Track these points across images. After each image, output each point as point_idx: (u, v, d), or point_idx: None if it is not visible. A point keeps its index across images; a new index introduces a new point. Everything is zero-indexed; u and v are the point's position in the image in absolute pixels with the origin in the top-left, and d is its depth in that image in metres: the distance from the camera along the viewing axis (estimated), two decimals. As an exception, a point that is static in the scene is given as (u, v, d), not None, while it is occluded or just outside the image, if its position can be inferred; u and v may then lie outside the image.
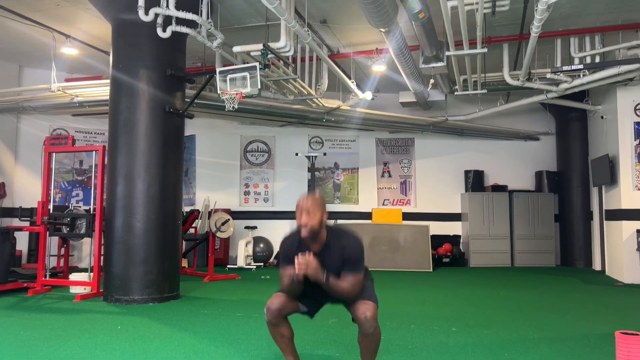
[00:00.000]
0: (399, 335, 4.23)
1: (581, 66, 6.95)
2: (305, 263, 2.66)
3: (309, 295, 2.89)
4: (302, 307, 2.94)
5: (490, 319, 4.95)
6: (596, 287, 7.25)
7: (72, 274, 6.72)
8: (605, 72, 7.12)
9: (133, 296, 5.65)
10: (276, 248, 9.86)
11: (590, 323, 4.81)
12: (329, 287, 2.71)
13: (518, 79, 7.59)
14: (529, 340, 4.11)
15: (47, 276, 6.65)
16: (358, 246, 2.82)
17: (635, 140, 7.84)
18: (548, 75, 7.58)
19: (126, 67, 5.95)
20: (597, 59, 7.14)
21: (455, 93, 8.57)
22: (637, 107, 7.87)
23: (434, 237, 9.71)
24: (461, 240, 10.44)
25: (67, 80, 9.06)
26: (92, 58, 8.40)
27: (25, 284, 6.53)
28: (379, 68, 8.04)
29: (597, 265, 9.23)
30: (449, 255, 9.93)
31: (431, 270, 9.13)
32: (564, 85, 7.62)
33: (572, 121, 9.93)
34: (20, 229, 7.11)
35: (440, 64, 7.00)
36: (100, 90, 8.23)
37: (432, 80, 8.38)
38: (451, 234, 10.43)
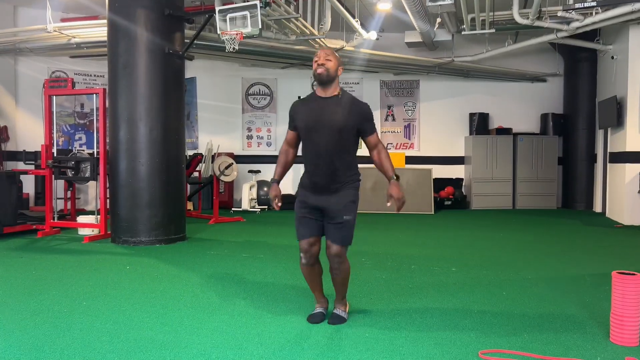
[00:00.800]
0: (400, 275, 4.34)
1: (594, 3, 6.68)
2: (398, 196, 2.90)
3: (309, 195, 2.94)
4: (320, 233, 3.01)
5: (490, 260, 5.06)
6: (596, 229, 7.35)
7: (80, 216, 6.84)
8: (619, 10, 6.85)
9: (140, 238, 5.77)
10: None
11: (588, 263, 4.91)
12: (397, 177, 2.92)
13: (528, 18, 7.33)
14: (526, 279, 4.21)
15: (55, 218, 6.78)
16: (369, 109, 2.97)
17: (645, 81, 7.67)
18: (559, 14, 7.30)
19: (123, 7, 5.77)
20: (611, -4, 6.86)
21: (463, 33, 8.32)
22: (649, 47, 7.66)
23: (436, 180, 9.74)
24: (464, 184, 10.49)
25: (63, 20, 8.81)
26: (87, -4, 8.13)
27: (34, 226, 6.67)
28: (384, 6, 7.75)
29: (597, 208, 9.31)
30: (450, 198, 10.01)
31: (433, 213, 9.24)
32: (575, 24, 7.37)
33: (581, 62, 9.69)
34: (25, 172, 7.17)
35: (447, 1, 6.73)
36: (98, 31, 8.01)
37: (438, 19, 8.11)
38: (454, 177, 10.47)
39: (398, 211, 2.94)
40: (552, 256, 5.29)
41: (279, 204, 3.03)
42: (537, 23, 7.46)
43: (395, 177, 2.91)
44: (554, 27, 7.64)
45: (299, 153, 3.07)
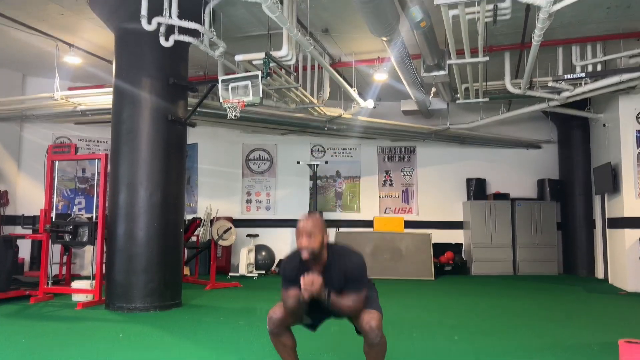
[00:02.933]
0: (401, 343, 4.21)
1: (583, 74, 6.97)
2: (310, 282, 2.65)
3: (313, 311, 2.87)
4: (305, 318, 2.92)
5: (493, 327, 4.93)
6: (599, 296, 7.22)
7: (74, 281, 6.72)
8: (607, 81, 7.13)
9: (135, 304, 5.64)
10: (278, 256, 9.84)
11: (593, 332, 4.79)
12: (331, 305, 2.71)
13: (520, 87, 7.61)
14: (531, 348, 4.09)
15: (50, 284, 6.65)
16: (360, 264, 2.82)
17: (637, 148, 7.83)
18: (550, 84, 7.59)
19: (129, 76, 5.98)
20: (599, 67, 7.16)
21: (457, 101, 8.58)
22: (639, 115, 7.88)
23: (436, 245, 9.68)
24: (463, 249, 10.41)
25: (70, 88, 9.11)
26: (95, 67, 8.45)
27: (27, 292, 6.53)
28: (380, 77, 8.06)
29: (600, 274, 9.18)
30: (451, 264, 9.89)
31: (433, 278, 9.10)
32: (565, 94, 7.63)
33: (574, 129, 9.93)
34: (22, 236, 7.12)
35: (442, 72, 7.02)
36: (103, 99, 8.27)
37: (433, 89, 8.40)
38: (453, 242, 10.40)
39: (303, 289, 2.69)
40: (557, 324, 5.16)
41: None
42: (529, 92, 7.72)
43: (327, 298, 2.72)
44: (546, 97, 7.90)
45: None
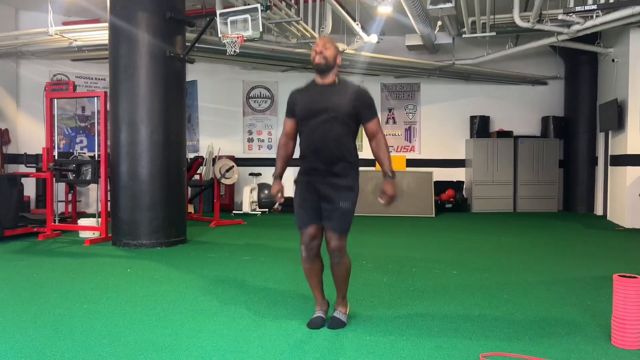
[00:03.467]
0: (401, 278, 4.33)
1: (594, 6, 6.69)
2: (390, 194, 2.90)
3: (307, 185, 2.93)
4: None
5: (490, 263, 5.06)
6: (597, 232, 7.34)
7: (81, 219, 6.84)
8: (619, 13, 6.86)
9: (141, 240, 5.77)
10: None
11: (589, 266, 4.91)
12: (393, 174, 2.88)
13: (529, 21, 7.34)
14: (527, 282, 4.21)
15: (56, 221, 6.78)
16: (370, 95, 2.97)
17: (645, 84, 7.68)
18: (560, 17, 7.31)
19: (124, 11, 5.78)
20: (612, -1, 6.87)
21: (463, 36, 8.34)
22: (650, 50, 7.66)
23: (437, 183, 9.74)
24: (464, 186, 10.49)
25: (65, 23, 8.84)
26: (88, 1, 8.15)
27: (35, 229, 6.67)
28: (385, 9, 7.76)
29: (599, 211, 9.30)
30: (451, 201, 10.00)
31: (434, 215, 9.23)
32: (575, 27, 7.38)
33: (581, 65, 9.70)
34: (26, 175, 7.18)
35: (448, 4, 6.75)
36: (99, 35, 8.04)
37: (439, 22, 8.12)
38: (454, 180, 10.47)
39: (387, 205, 2.93)
40: (553, 259, 5.28)
41: (282, 199, 2.98)
42: (538, 26, 7.47)
43: (390, 175, 2.88)
44: (555, 30, 7.65)
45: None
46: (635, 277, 2.68)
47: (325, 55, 2.84)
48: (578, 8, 6.65)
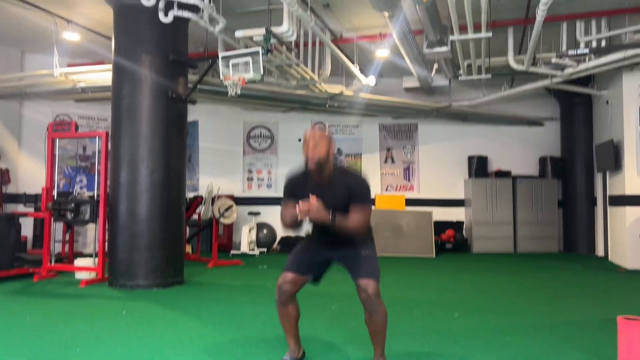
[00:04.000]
0: (401, 321, 4.26)
1: (587, 50, 6.87)
2: (307, 208, 2.63)
3: (313, 257, 2.87)
4: (309, 278, 2.92)
5: (493, 304, 4.98)
6: (599, 273, 7.26)
7: (77, 259, 6.77)
8: (611, 57, 7.03)
9: (138, 281, 5.69)
10: (280, 234, 9.90)
11: (592, 308, 4.83)
12: (335, 226, 2.67)
13: (523, 64, 7.51)
14: (530, 325, 4.13)
15: (53, 262, 6.70)
16: (364, 182, 2.83)
17: (640, 125, 7.78)
18: (553, 60, 7.49)
19: (128, 53, 5.92)
20: (603, 43, 7.05)
21: (459, 78, 8.50)
22: (643, 92, 7.80)
23: (437, 223, 9.71)
24: (464, 226, 10.45)
25: (69, 65, 9.02)
26: (93, 43, 8.35)
27: (30, 270, 6.58)
28: (382, 53, 7.96)
29: (600, 252, 9.23)
30: (451, 242, 9.94)
31: (434, 256, 9.15)
32: (569, 70, 7.54)
33: (576, 106, 9.85)
34: (25, 214, 7.16)
35: (444, 48, 6.92)
36: (103, 76, 8.19)
37: (436, 65, 8.31)
38: (454, 220, 10.44)
39: (300, 213, 2.64)
40: (556, 301, 5.20)
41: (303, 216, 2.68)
42: (532, 69, 7.63)
43: (331, 219, 2.66)
44: (549, 73, 7.82)
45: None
46: (640, 320, 2.64)
47: (318, 158, 2.69)
48: (571, 52, 6.82)
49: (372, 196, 10.22)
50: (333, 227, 2.67)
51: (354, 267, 2.79)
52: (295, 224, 2.78)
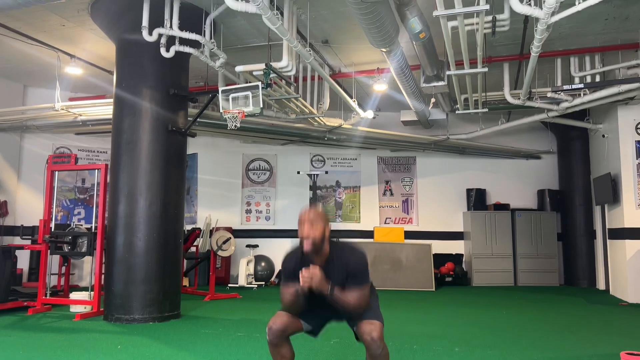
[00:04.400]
0: (401, 356, 4.18)
1: (581, 85, 6.99)
2: (310, 276, 2.62)
3: (313, 312, 2.85)
4: (305, 325, 2.88)
5: (493, 339, 4.90)
6: (600, 307, 7.17)
7: (73, 292, 6.69)
8: (606, 91, 7.15)
9: (134, 315, 5.61)
10: (278, 267, 9.81)
11: (594, 343, 4.75)
12: (333, 299, 2.66)
13: (519, 98, 7.63)
14: (533, 361, 4.05)
15: (48, 295, 6.62)
16: (362, 260, 2.79)
17: (637, 158, 7.84)
18: (549, 94, 7.61)
19: (129, 87, 6.01)
20: (598, 78, 7.18)
21: (457, 112, 8.61)
22: (638, 126, 7.90)
23: (436, 255, 9.65)
24: (464, 259, 10.38)
25: (71, 99, 9.14)
26: (96, 77, 8.48)
27: (25, 303, 6.49)
28: (380, 87, 8.09)
29: (601, 285, 9.14)
30: (451, 275, 9.85)
31: (434, 289, 9.05)
32: (564, 104, 7.65)
33: (573, 140, 9.95)
34: (21, 247, 7.10)
35: (441, 83, 7.04)
36: (104, 110, 8.29)
37: (433, 99, 8.42)
38: (454, 253, 10.37)
39: (303, 281, 2.63)
40: (557, 335, 5.12)
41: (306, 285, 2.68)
42: (528, 103, 7.74)
43: (330, 290, 2.67)
44: (545, 107, 7.92)
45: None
46: (643, 356, 2.60)
47: (314, 239, 2.69)
48: (566, 87, 6.94)
49: (371, 228, 10.22)
50: (332, 300, 2.66)
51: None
52: (297, 299, 2.74)
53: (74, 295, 6.52)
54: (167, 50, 5.83)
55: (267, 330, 2.78)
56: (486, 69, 6.37)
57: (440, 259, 9.99)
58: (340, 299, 2.67)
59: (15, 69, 8.49)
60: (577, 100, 7.49)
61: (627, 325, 5.76)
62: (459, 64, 6.35)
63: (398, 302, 7.47)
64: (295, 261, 2.82)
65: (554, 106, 7.82)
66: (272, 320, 2.80)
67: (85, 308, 6.27)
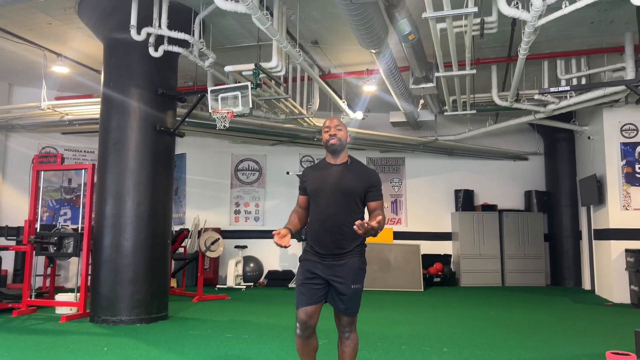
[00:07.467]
0: (390, 356, 4.19)
1: (567, 88, 7.04)
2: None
3: (312, 265, 2.87)
4: (323, 302, 2.91)
5: (481, 339, 4.93)
6: (586, 307, 7.26)
7: (58, 294, 6.61)
8: (592, 94, 7.24)
9: (120, 317, 5.55)
10: (267, 268, 9.79)
11: (580, 343, 4.80)
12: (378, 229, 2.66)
13: (506, 100, 7.70)
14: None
15: (33, 296, 6.53)
16: (379, 178, 2.99)
17: (622, 160, 7.94)
18: (536, 97, 7.70)
19: (117, 86, 5.95)
20: (583, 81, 7.27)
21: (445, 113, 8.66)
22: (623, 128, 8.00)
23: (424, 256, 9.69)
24: (452, 260, 10.44)
25: (58, 98, 9.03)
26: (83, 76, 8.40)
27: (9, 305, 6.40)
28: (369, 88, 8.11)
29: (586, 285, 9.25)
30: (439, 275, 9.91)
31: (422, 290, 9.09)
32: (551, 106, 7.74)
33: (560, 141, 10.06)
34: (6, 248, 7.00)
35: (429, 84, 7.08)
36: (91, 109, 8.21)
37: (422, 101, 8.47)
38: (442, 254, 10.43)
39: (360, 230, 2.59)
40: (544, 335, 5.17)
41: (284, 243, 2.77)
42: (516, 105, 7.82)
43: (375, 226, 2.60)
44: (532, 109, 8.01)
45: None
46: (628, 355, 2.63)
47: (339, 137, 2.91)
48: (552, 89, 7.00)
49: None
50: (375, 233, 2.64)
51: (340, 298, 2.81)
52: (305, 211, 3.07)
53: (60, 297, 6.44)
54: (156, 50, 5.79)
55: (302, 326, 2.80)
56: (474, 71, 6.42)
57: (428, 260, 10.04)
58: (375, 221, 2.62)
59: (1, 68, 8.37)
60: (564, 103, 7.58)
61: (613, 325, 5.83)
62: (448, 66, 6.39)
63: (386, 303, 7.49)
64: (309, 169, 3.07)
65: (540, 108, 7.90)
66: (303, 316, 2.79)
67: (71, 310, 6.20)
